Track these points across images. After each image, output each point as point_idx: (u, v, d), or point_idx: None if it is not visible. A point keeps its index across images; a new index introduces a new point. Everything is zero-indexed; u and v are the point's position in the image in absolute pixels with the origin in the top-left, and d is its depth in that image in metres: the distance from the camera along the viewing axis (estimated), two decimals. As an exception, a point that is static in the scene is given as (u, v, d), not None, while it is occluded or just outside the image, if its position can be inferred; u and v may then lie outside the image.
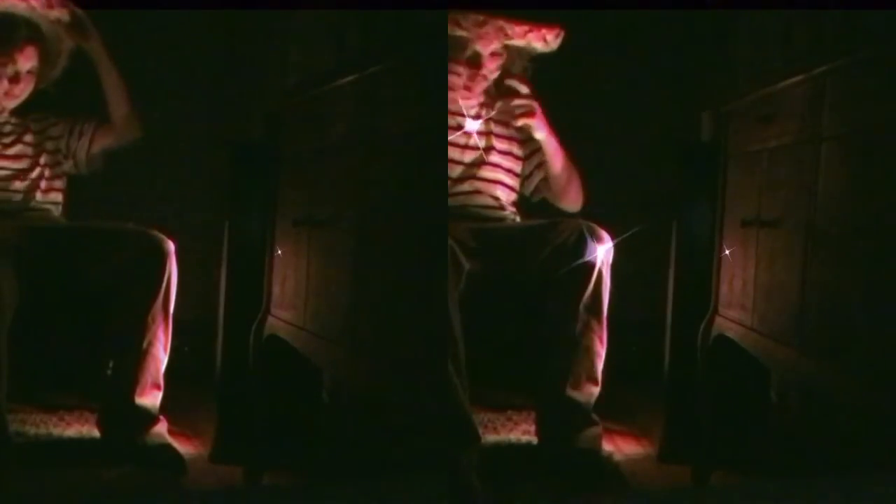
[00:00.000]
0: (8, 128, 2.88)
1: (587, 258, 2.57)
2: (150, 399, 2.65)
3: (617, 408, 2.69)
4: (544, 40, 2.77)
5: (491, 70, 2.79)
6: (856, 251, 2.01)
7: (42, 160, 2.89)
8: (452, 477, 2.28)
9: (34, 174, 2.87)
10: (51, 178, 2.90)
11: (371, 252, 2.17)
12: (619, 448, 2.85)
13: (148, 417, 2.63)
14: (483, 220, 2.81)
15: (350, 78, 2.33)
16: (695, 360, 2.73)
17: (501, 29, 2.74)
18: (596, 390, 2.59)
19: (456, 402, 2.31)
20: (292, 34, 3.20)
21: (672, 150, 2.96)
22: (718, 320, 2.69)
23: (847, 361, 2.02)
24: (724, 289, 2.69)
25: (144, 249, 2.63)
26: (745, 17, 3.12)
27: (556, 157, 2.80)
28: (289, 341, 2.55)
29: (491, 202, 2.84)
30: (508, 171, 2.87)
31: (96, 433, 2.73)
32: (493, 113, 2.85)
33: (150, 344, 2.63)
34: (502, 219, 2.86)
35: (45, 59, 2.83)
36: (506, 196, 2.87)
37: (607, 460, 2.59)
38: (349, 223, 2.26)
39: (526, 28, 2.75)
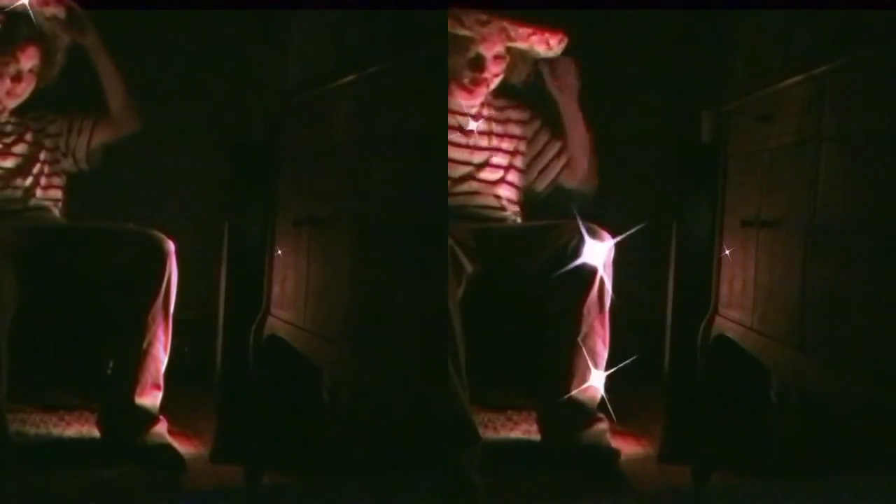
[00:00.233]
0: (9, 127, 2.88)
1: (589, 259, 2.57)
2: (150, 399, 2.65)
3: (617, 408, 2.69)
4: (547, 44, 2.78)
5: (494, 73, 2.79)
6: (856, 251, 2.01)
7: (41, 157, 2.89)
8: (452, 477, 2.28)
9: (34, 171, 2.87)
10: (49, 176, 2.90)
11: (371, 252, 2.17)
12: (619, 448, 2.84)
13: (148, 417, 2.63)
14: (485, 220, 2.81)
15: (350, 78, 2.33)
16: (695, 360, 2.73)
17: (504, 30, 2.74)
18: (600, 390, 2.61)
19: (456, 403, 2.31)
20: (292, 34, 3.19)
21: (672, 150, 2.96)
22: (718, 320, 2.69)
23: (847, 361, 2.02)
24: (724, 289, 2.69)
25: (144, 249, 2.63)
26: (745, 17, 3.12)
27: (578, 124, 2.80)
28: (289, 341, 2.55)
29: (493, 202, 2.84)
30: (511, 168, 2.87)
31: (96, 433, 2.73)
32: (493, 112, 2.86)
33: (150, 344, 2.63)
34: (504, 219, 2.86)
35: (46, 57, 2.83)
36: (508, 195, 2.87)
37: (616, 455, 2.59)
38: (349, 223, 2.26)
39: (529, 31, 2.75)
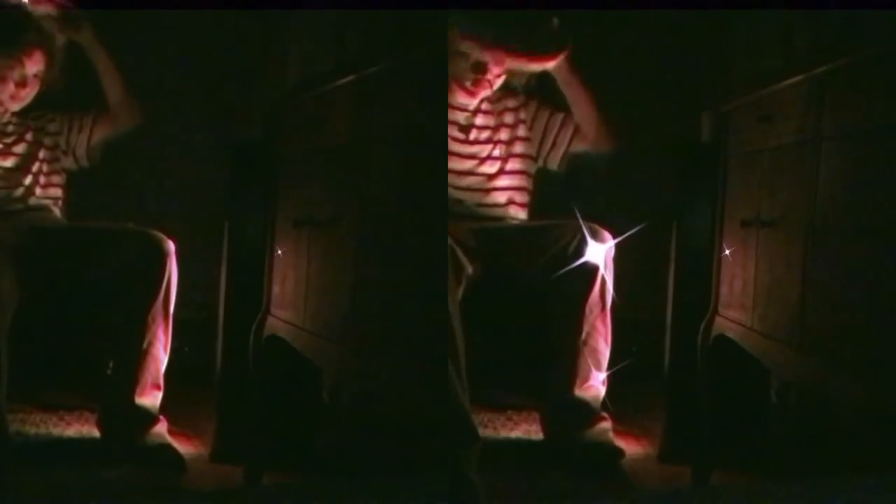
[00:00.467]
0: (10, 127, 2.88)
1: (590, 260, 2.58)
2: (150, 399, 2.65)
3: (617, 408, 2.69)
4: (544, 67, 2.79)
5: (496, 74, 2.79)
6: (856, 251, 2.01)
7: (41, 156, 2.90)
8: (452, 477, 2.28)
9: (33, 170, 2.88)
10: (49, 174, 2.90)
11: (371, 252, 2.17)
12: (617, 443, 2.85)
13: (148, 417, 2.63)
14: (486, 218, 2.81)
15: (350, 78, 2.33)
16: (695, 360, 2.73)
17: (502, 60, 2.75)
18: (602, 389, 2.62)
19: (456, 403, 2.31)
20: (292, 34, 3.20)
21: (672, 150, 2.96)
22: (718, 320, 2.69)
23: (847, 361, 2.02)
24: (724, 289, 2.69)
25: (144, 249, 2.63)
26: (745, 17, 3.12)
27: (576, 86, 2.80)
28: (289, 341, 2.55)
29: (495, 197, 2.85)
30: (510, 158, 2.87)
31: (96, 433, 2.73)
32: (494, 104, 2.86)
33: (150, 344, 2.63)
34: (505, 216, 2.86)
35: (51, 62, 2.84)
36: (511, 185, 2.87)
37: (619, 454, 2.60)
38: (349, 223, 2.26)
39: (526, 59, 2.76)
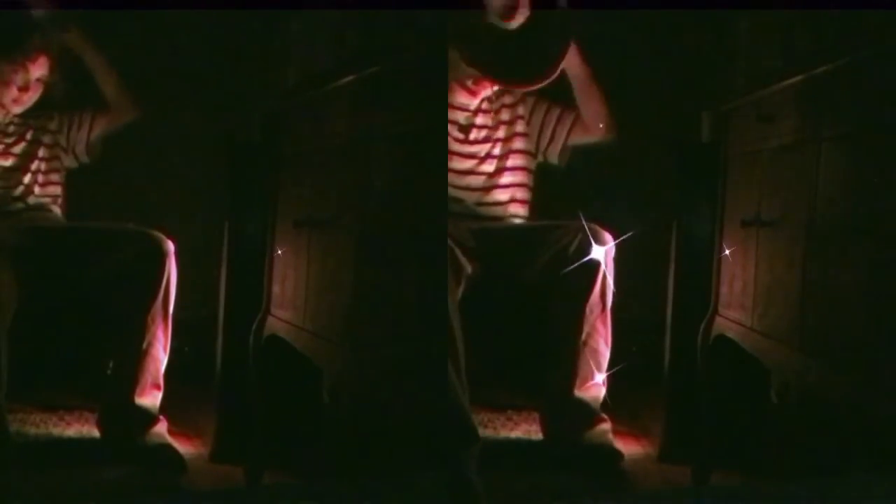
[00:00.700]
0: (11, 127, 2.89)
1: (591, 260, 2.58)
2: (150, 399, 2.65)
3: (617, 408, 2.69)
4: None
5: None
6: (856, 251, 2.01)
7: (40, 154, 2.90)
8: (452, 477, 2.28)
9: (32, 169, 2.88)
10: (47, 172, 2.91)
11: (371, 252, 2.17)
12: (622, 449, 2.85)
13: (148, 417, 2.63)
14: (485, 217, 2.81)
15: (350, 78, 2.33)
16: (695, 360, 2.73)
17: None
18: (602, 390, 2.62)
19: (455, 403, 2.32)
20: (292, 34, 3.20)
21: (672, 150, 2.96)
22: (718, 320, 2.69)
23: (847, 361, 2.02)
24: (724, 289, 2.69)
25: (144, 249, 2.63)
26: (745, 17, 3.12)
27: (590, 87, 2.79)
28: (289, 341, 2.55)
29: (497, 196, 2.85)
30: (509, 155, 2.87)
31: (96, 433, 2.74)
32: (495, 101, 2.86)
33: (150, 344, 2.64)
34: (505, 215, 2.86)
35: (54, 66, 2.84)
36: (511, 183, 2.87)
37: (619, 456, 2.60)
38: (349, 223, 2.26)
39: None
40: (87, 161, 2.95)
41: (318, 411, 2.81)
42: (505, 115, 2.88)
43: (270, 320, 2.69)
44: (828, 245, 2.13)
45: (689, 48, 3.36)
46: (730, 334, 2.60)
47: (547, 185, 2.98)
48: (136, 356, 2.63)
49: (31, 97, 2.85)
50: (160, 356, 2.65)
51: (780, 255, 2.35)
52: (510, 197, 2.86)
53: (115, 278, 2.64)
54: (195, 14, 3.27)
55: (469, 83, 2.79)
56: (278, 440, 2.71)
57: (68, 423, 2.89)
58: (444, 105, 2.32)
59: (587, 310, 2.60)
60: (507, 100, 2.90)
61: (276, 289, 2.69)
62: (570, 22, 2.72)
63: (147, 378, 2.64)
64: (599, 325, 2.62)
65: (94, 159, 2.97)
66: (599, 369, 2.62)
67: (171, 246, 2.64)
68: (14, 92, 2.82)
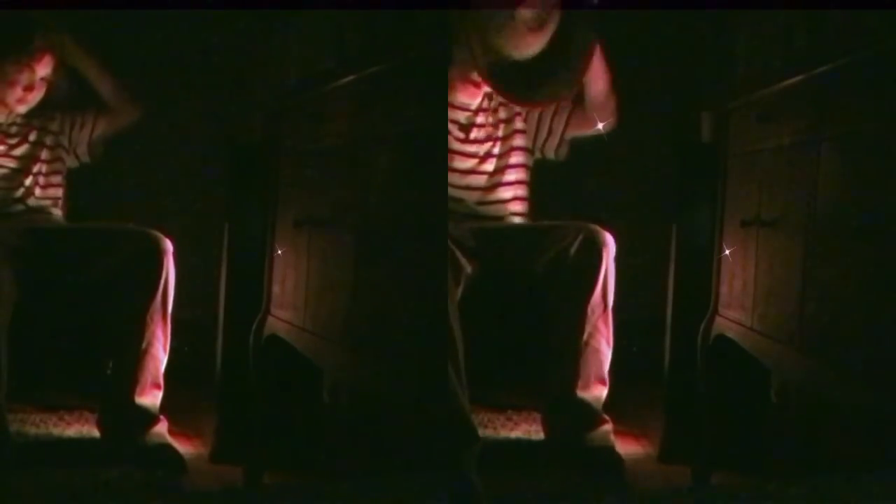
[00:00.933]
0: (14, 128, 2.88)
1: (593, 261, 2.58)
2: (150, 399, 2.65)
3: (617, 408, 2.69)
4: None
5: None
6: (856, 251, 2.01)
7: (42, 156, 2.90)
8: (452, 477, 2.28)
9: (34, 171, 2.88)
10: (48, 174, 2.91)
11: (371, 252, 2.17)
12: (619, 448, 2.85)
13: (148, 417, 2.63)
14: (486, 217, 2.81)
15: (350, 78, 2.33)
16: (695, 360, 2.73)
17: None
18: (604, 390, 2.62)
19: (455, 403, 2.32)
20: (292, 34, 3.19)
21: (672, 150, 2.96)
22: (718, 320, 2.69)
23: (847, 361, 2.02)
24: (724, 289, 2.69)
25: (141, 248, 2.64)
26: (745, 17, 3.12)
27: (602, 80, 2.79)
28: (289, 341, 2.55)
29: (500, 195, 2.85)
30: (510, 153, 2.87)
31: (96, 433, 2.73)
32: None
33: (149, 343, 2.63)
34: (505, 215, 2.86)
35: (59, 66, 2.84)
36: (512, 181, 2.87)
37: (620, 459, 2.60)
38: (349, 223, 2.26)
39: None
40: (88, 161, 2.96)
41: (318, 411, 2.82)
42: (503, 113, 2.88)
43: (270, 320, 2.69)
44: (828, 245, 2.13)
45: (689, 48, 3.36)
46: (730, 334, 2.60)
47: (547, 185, 2.98)
48: (136, 355, 2.63)
49: (36, 97, 2.85)
50: (160, 355, 2.65)
51: (780, 255, 2.35)
52: (512, 195, 2.86)
53: (113, 277, 2.64)
54: (195, 14, 3.27)
55: (471, 82, 2.79)
56: (278, 440, 2.71)
57: (68, 423, 2.89)
58: (444, 105, 2.32)
59: (589, 310, 2.60)
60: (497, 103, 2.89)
61: (276, 289, 2.69)
62: (592, 38, 2.70)
63: (147, 377, 2.64)
64: (601, 326, 2.62)
65: (96, 160, 2.97)
66: (601, 370, 2.62)
67: (168, 244, 2.64)
68: (19, 92, 2.81)
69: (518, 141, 2.88)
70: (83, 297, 2.69)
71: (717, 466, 2.66)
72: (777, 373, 2.71)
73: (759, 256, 2.46)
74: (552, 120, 2.88)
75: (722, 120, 2.77)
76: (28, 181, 2.86)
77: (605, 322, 2.62)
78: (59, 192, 2.92)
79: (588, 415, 2.61)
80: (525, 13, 2.60)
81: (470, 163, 2.83)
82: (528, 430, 2.89)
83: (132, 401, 2.63)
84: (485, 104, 2.87)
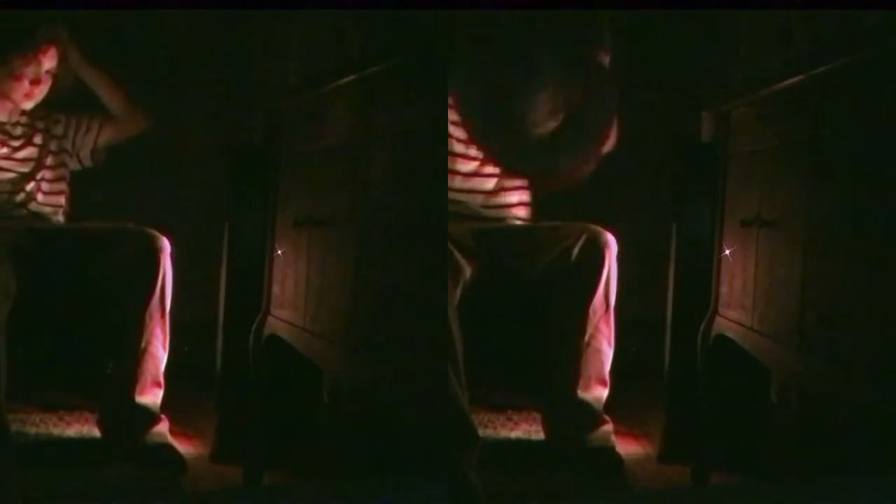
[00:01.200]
0: (19, 130, 2.88)
1: (595, 261, 2.58)
2: (151, 398, 2.65)
3: (617, 408, 2.69)
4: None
5: None
6: (856, 251, 2.01)
7: (47, 162, 2.89)
8: (452, 477, 2.28)
9: (37, 177, 2.87)
10: (52, 180, 2.90)
11: (371, 252, 2.17)
12: (619, 448, 2.85)
13: (148, 416, 2.63)
14: (487, 218, 2.81)
15: (350, 78, 2.33)
16: (695, 360, 2.73)
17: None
18: (605, 391, 2.62)
19: (454, 404, 2.32)
20: (292, 34, 3.20)
21: (672, 150, 2.96)
22: (718, 320, 2.69)
23: (847, 361, 2.02)
24: (724, 289, 2.69)
25: (138, 247, 2.64)
26: (745, 17, 3.12)
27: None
28: (289, 341, 2.55)
29: (502, 198, 2.84)
30: None
31: (96, 433, 2.73)
32: None
33: (149, 342, 2.63)
34: (506, 216, 2.85)
35: (63, 58, 2.84)
36: (525, 196, 2.87)
37: (621, 461, 2.60)
38: (349, 223, 2.26)
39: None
40: (90, 166, 2.95)
41: (318, 411, 2.82)
42: None
43: (270, 320, 2.69)
44: (828, 245, 2.13)
45: (689, 48, 3.36)
46: (730, 334, 2.60)
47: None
48: (135, 354, 2.63)
49: (42, 91, 2.83)
50: (159, 354, 2.65)
51: (780, 255, 2.35)
52: (518, 200, 2.85)
53: (110, 277, 2.64)
54: (195, 14, 3.27)
55: None
56: (278, 440, 2.71)
57: (68, 423, 2.89)
58: (444, 105, 2.32)
59: (591, 311, 2.60)
60: None
61: (276, 289, 2.69)
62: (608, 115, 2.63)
63: (147, 377, 2.64)
64: (603, 326, 2.62)
65: (98, 165, 2.96)
66: (603, 370, 2.63)
67: (166, 243, 2.64)
68: (26, 86, 2.81)
69: None
70: (82, 296, 2.69)
71: (717, 466, 2.66)
72: (777, 373, 2.71)
73: (759, 256, 2.46)
74: None
75: (722, 120, 2.77)
76: (30, 186, 2.86)
77: (607, 323, 2.62)
78: (62, 199, 2.91)
79: (589, 415, 2.62)
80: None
81: (472, 165, 2.83)
82: (528, 430, 2.89)
83: (132, 400, 2.63)
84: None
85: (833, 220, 2.11)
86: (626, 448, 2.76)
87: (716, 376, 2.72)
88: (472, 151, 2.82)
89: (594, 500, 2.48)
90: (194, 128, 3.37)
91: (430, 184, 2.07)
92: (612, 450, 2.62)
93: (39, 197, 2.87)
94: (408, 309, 2.05)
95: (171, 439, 2.66)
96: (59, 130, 2.92)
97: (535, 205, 2.91)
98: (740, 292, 2.57)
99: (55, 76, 2.84)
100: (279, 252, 2.65)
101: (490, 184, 2.83)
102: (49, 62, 2.81)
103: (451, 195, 2.77)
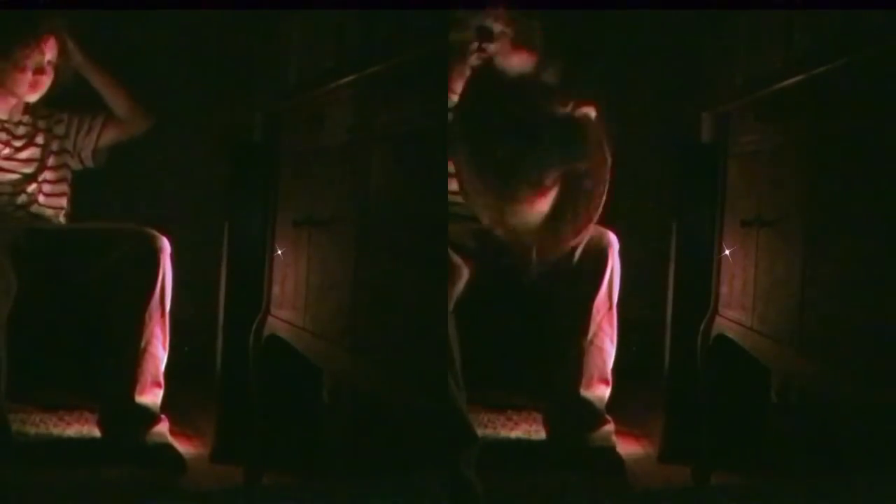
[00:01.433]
0: (21, 129, 2.88)
1: (598, 260, 2.58)
2: (151, 397, 2.65)
3: (617, 408, 2.69)
4: None
5: None
6: (856, 251, 2.01)
7: (48, 162, 2.89)
8: (452, 477, 2.28)
9: (40, 178, 2.87)
10: (54, 182, 2.89)
11: (371, 252, 2.17)
12: (619, 448, 2.85)
13: (149, 416, 2.64)
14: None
15: (350, 78, 2.33)
16: (695, 360, 2.73)
17: None
18: (607, 389, 2.63)
19: (452, 404, 2.32)
20: (292, 34, 3.19)
21: (672, 150, 2.96)
22: (718, 320, 2.69)
23: (847, 361, 2.01)
24: (724, 289, 2.69)
25: (137, 247, 2.64)
26: (745, 17, 3.11)
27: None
28: (289, 341, 2.55)
29: None
30: None
31: (96, 432, 2.74)
32: None
33: (148, 342, 2.64)
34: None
35: (63, 49, 2.83)
36: None
37: (621, 462, 2.61)
38: (349, 223, 2.26)
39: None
40: (91, 166, 2.95)
41: (318, 411, 2.82)
42: None
43: (270, 320, 2.69)
44: (828, 245, 2.12)
45: (689, 48, 3.36)
46: (730, 334, 2.60)
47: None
48: (135, 354, 2.63)
49: (46, 82, 2.82)
50: (159, 354, 2.65)
51: (780, 255, 2.35)
52: None
53: (109, 276, 2.64)
54: (195, 14, 3.27)
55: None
56: (278, 440, 2.71)
57: (68, 423, 2.89)
58: (444, 105, 2.32)
59: (594, 310, 2.60)
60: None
61: (276, 289, 2.69)
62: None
63: (147, 376, 2.64)
64: (605, 325, 2.62)
65: (100, 165, 2.96)
66: (605, 369, 2.63)
67: (165, 243, 2.64)
68: (29, 77, 2.80)
69: None
70: (82, 296, 2.69)
71: (717, 466, 2.66)
72: (777, 373, 2.71)
73: (759, 256, 2.46)
74: None
75: (722, 120, 2.77)
76: (32, 188, 2.85)
77: (610, 322, 2.63)
78: (64, 200, 2.91)
79: (591, 415, 2.62)
80: None
81: None
82: (529, 430, 2.89)
83: (132, 399, 2.63)
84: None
85: (833, 220, 2.11)
86: (627, 448, 2.76)
87: (716, 376, 2.72)
88: None
89: (594, 500, 2.48)
90: (194, 128, 3.37)
91: (430, 184, 2.07)
92: (612, 450, 2.62)
93: (41, 199, 2.87)
94: (408, 309, 2.05)
95: (171, 439, 2.66)
96: (60, 130, 2.92)
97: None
98: (740, 292, 2.57)
99: (57, 68, 2.84)
100: (279, 252, 2.65)
101: None
102: (50, 53, 2.81)
103: (451, 196, 2.77)
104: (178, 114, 3.28)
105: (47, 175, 2.88)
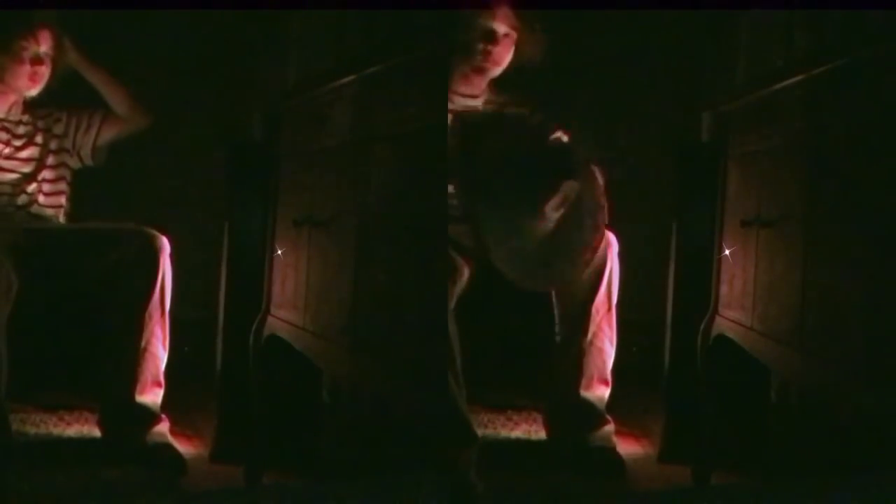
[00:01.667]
0: (21, 129, 2.88)
1: (597, 261, 2.58)
2: (151, 397, 2.65)
3: (617, 408, 2.69)
4: None
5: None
6: (856, 251, 2.01)
7: (48, 161, 2.89)
8: (452, 476, 2.28)
9: (39, 177, 2.87)
10: (54, 181, 2.89)
11: (371, 252, 2.17)
12: (619, 448, 2.85)
13: (149, 415, 2.64)
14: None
15: (350, 78, 2.33)
16: (695, 360, 2.73)
17: None
18: (607, 389, 2.63)
19: (452, 404, 2.32)
20: (292, 34, 3.19)
21: (672, 150, 2.96)
22: (718, 320, 2.69)
23: (847, 361, 2.02)
24: (724, 289, 2.69)
25: (137, 247, 2.64)
26: (745, 17, 3.12)
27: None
28: (289, 341, 2.55)
29: None
30: None
31: (97, 433, 2.74)
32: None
33: (148, 342, 2.64)
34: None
35: (58, 41, 2.83)
36: None
37: (622, 463, 2.61)
38: (349, 223, 2.26)
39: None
40: (91, 164, 2.95)
41: (318, 411, 2.82)
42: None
43: (270, 320, 2.69)
44: (828, 245, 2.13)
45: (689, 48, 3.36)
46: (730, 334, 2.60)
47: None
48: (135, 354, 2.63)
49: (45, 74, 2.82)
50: (159, 353, 2.65)
51: (780, 255, 2.35)
52: None
53: (109, 276, 2.64)
54: (195, 14, 3.27)
55: (470, 79, 2.78)
56: (278, 440, 2.71)
57: (68, 423, 2.89)
58: (444, 105, 2.32)
59: (594, 310, 2.61)
60: (504, 98, 2.89)
61: (276, 289, 2.69)
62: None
63: (147, 376, 2.64)
64: (605, 325, 2.63)
65: (99, 164, 2.96)
66: (605, 369, 2.63)
67: (165, 242, 2.64)
68: (27, 67, 2.80)
69: None
70: (82, 296, 2.69)
71: (717, 466, 2.66)
72: (777, 373, 2.71)
73: (759, 256, 2.46)
74: None
75: (722, 120, 2.77)
76: (32, 187, 2.86)
77: (609, 322, 2.63)
78: (63, 199, 2.91)
79: (591, 415, 2.62)
80: None
81: None
82: (529, 430, 2.89)
83: (133, 399, 2.63)
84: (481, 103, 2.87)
85: (833, 220, 2.11)
86: (627, 448, 2.76)
87: (716, 376, 2.72)
88: None
89: (594, 500, 2.48)
90: (194, 127, 3.37)
91: (430, 184, 2.07)
92: (612, 450, 2.63)
93: (41, 198, 2.87)
94: (408, 308, 2.05)
95: (171, 439, 2.66)
96: (59, 129, 2.92)
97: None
98: (740, 292, 2.57)
99: (54, 61, 2.83)
100: (279, 252, 2.65)
101: None
102: (46, 44, 2.81)
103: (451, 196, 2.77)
104: (177, 113, 3.29)
105: (47, 174, 2.88)
